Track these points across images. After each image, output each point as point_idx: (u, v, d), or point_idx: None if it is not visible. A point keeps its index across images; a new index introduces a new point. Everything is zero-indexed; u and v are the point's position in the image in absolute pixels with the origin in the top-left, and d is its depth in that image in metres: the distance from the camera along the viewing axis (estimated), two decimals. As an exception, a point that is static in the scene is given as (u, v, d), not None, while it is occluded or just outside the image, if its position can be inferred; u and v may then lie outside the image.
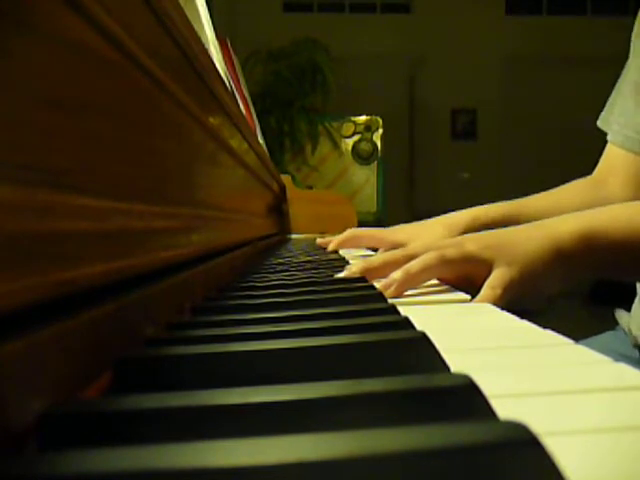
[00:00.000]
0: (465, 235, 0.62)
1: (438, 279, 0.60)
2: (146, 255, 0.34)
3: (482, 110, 4.94)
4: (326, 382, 0.20)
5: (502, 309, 0.47)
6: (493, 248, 0.54)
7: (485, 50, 4.87)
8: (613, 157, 0.86)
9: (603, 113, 0.89)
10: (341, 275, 0.57)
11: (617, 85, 0.87)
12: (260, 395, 0.18)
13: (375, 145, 3.30)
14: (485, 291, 0.51)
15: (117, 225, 0.29)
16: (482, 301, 0.49)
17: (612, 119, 0.86)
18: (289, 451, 0.13)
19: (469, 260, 0.54)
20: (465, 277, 0.56)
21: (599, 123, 0.89)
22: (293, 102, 3.23)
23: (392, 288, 0.50)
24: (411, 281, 0.52)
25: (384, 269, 0.56)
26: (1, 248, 0.18)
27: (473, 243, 0.56)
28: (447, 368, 0.25)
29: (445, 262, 0.53)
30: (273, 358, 0.24)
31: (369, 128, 3.31)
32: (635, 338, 0.78)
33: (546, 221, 0.58)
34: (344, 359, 0.25)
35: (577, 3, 4.92)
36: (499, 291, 0.50)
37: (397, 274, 0.51)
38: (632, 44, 0.83)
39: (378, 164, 3.32)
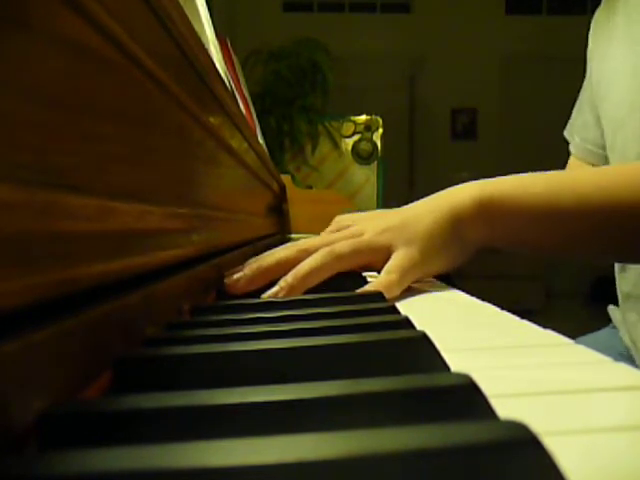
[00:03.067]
0: (370, 214, 0.59)
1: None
2: (146, 255, 0.34)
3: (482, 110, 4.94)
4: (326, 382, 0.20)
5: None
6: (392, 230, 0.52)
7: (485, 50, 4.87)
8: (576, 168, 0.86)
9: (568, 125, 0.90)
10: (227, 281, 0.51)
11: (579, 98, 0.88)
12: (260, 395, 0.18)
13: (375, 145, 3.30)
14: (380, 277, 0.49)
15: (117, 225, 0.29)
16: (375, 287, 0.47)
17: (574, 131, 0.87)
18: (289, 451, 0.13)
19: (362, 250, 0.52)
20: (369, 266, 0.54)
21: (565, 133, 0.90)
22: (293, 102, 3.23)
23: (280, 295, 0.48)
24: (300, 286, 0.49)
25: (277, 269, 0.51)
26: (1, 248, 0.18)
27: (371, 228, 0.54)
28: (447, 368, 0.25)
29: (336, 259, 0.51)
30: (272, 358, 0.24)
31: (369, 128, 3.31)
32: (623, 336, 0.78)
33: (451, 189, 0.56)
34: (344, 359, 0.25)
35: (577, 3, 4.92)
36: (394, 276, 0.49)
37: (286, 279, 0.49)
38: (588, 61, 0.84)
39: (378, 164, 3.31)
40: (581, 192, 0.52)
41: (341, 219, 0.68)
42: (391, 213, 0.57)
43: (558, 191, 0.53)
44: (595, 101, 0.81)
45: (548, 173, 0.56)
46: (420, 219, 0.53)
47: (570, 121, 0.90)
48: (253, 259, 0.55)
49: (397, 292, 0.49)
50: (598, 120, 0.81)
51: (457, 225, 0.52)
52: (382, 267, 0.51)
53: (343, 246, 0.52)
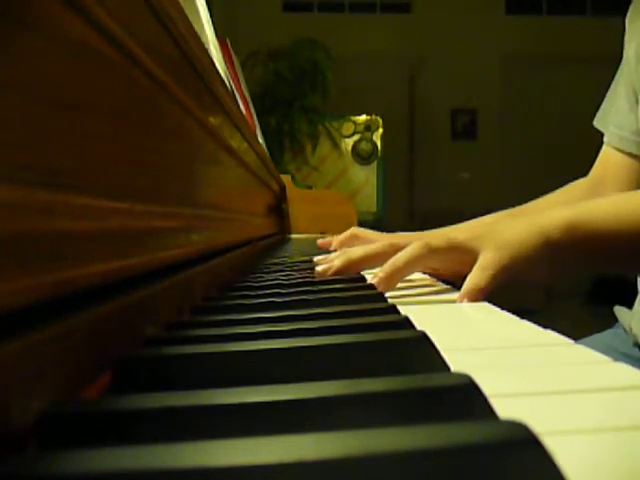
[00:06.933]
0: (452, 226, 0.60)
1: (428, 274, 0.60)
2: (146, 255, 0.34)
3: (482, 110, 4.94)
4: (326, 382, 0.20)
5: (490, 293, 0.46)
6: (481, 237, 0.53)
7: (485, 50, 4.87)
8: (609, 158, 0.86)
9: (599, 113, 0.89)
10: (319, 269, 0.56)
11: (612, 85, 0.87)
12: (260, 395, 0.18)
13: (375, 145, 3.30)
14: (474, 272, 0.49)
15: (117, 225, 0.29)
16: (472, 282, 0.48)
17: (608, 119, 0.86)
18: (289, 451, 0.13)
19: (456, 248, 0.53)
20: (453, 268, 0.55)
21: (595, 122, 0.90)
22: (293, 102, 3.23)
23: (380, 286, 0.49)
24: (399, 274, 0.51)
25: (367, 262, 0.56)
26: (1, 248, 0.18)
27: (460, 233, 0.55)
28: (447, 368, 0.25)
29: (431, 251, 0.52)
30: (273, 358, 0.24)
31: (369, 128, 3.31)
32: (635, 336, 0.77)
33: (535, 214, 0.57)
34: (344, 359, 0.25)
35: (577, 3, 4.92)
36: (490, 272, 0.49)
37: (384, 269, 0.51)
38: (625, 45, 0.84)
39: (378, 164, 3.32)
40: None
41: (383, 237, 0.69)
42: (467, 225, 0.58)
43: None
44: (634, 84, 0.80)
45: (628, 194, 0.58)
46: (507, 232, 0.53)
47: (601, 110, 0.89)
48: (341, 250, 0.58)
49: (490, 289, 0.49)
50: (633, 106, 0.80)
51: (548, 247, 0.52)
52: (469, 269, 0.51)
53: (439, 241, 0.53)
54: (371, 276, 0.53)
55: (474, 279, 0.48)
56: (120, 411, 0.18)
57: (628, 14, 0.83)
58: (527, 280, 0.54)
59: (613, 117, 0.84)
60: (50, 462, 0.14)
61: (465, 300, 0.47)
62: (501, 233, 0.53)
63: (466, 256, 0.52)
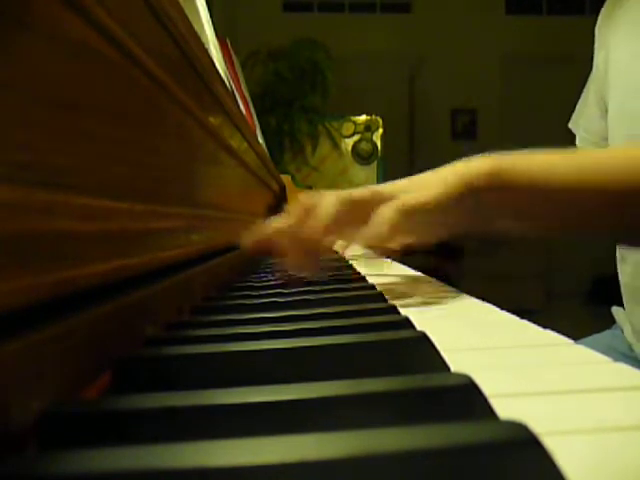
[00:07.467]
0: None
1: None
2: (146, 255, 0.34)
3: (482, 110, 4.94)
4: (326, 382, 0.20)
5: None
6: (398, 191, 0.51)
7: (485, 50, 4.87)
8: None
9: (574, 115, 0.90)
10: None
11: (585, 89, 0.88)
12: (260, 395, 0.18)
13: (375, 145, 3.30)
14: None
15: (117, 225, 0.29)
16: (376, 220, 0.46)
17: (580, 123, 0.87)
18: (289, 451, 0.13)
19: (373, 195, 0.50)
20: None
21: (570, 125, 0.90)
22: (293, 102, 3.23)
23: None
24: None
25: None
26: (1, 248, 0.18)
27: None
28: (447, 368, 0.25)
29: (345, 203, 0.49)
30: (273, 358, 0.24)
31: (369, 128, 3.30)
32: (630, 343, 0.78)
33: (459, 162, 0.54)
34: (344, 359, 0.25)
35: (577, 3, 4.92)
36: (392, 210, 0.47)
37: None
38: (594, 53, 0.84)
39: (378, 164, 3.31)
40: (605, 173, 0.49)
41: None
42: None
43: (579, 172, 0.50)
44: (602, 92, 0.80)
45: (569, 154, 0.54)
46: (425, 184, 0.52)
47: (575, 113, 0.90)
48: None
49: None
50: (603, 113, 0.80)
51: (469, 193, 0.50)
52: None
53: (356, 193, 0.51)
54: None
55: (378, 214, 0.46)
56: (120, 411, 0.18)
57: (597, 23, 0.83)
58: (448, 229, 0.52)
59: (584, 122, 0.85)
60: (50, 462, 0.14)
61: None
62: (419, 184, 0.52)
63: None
